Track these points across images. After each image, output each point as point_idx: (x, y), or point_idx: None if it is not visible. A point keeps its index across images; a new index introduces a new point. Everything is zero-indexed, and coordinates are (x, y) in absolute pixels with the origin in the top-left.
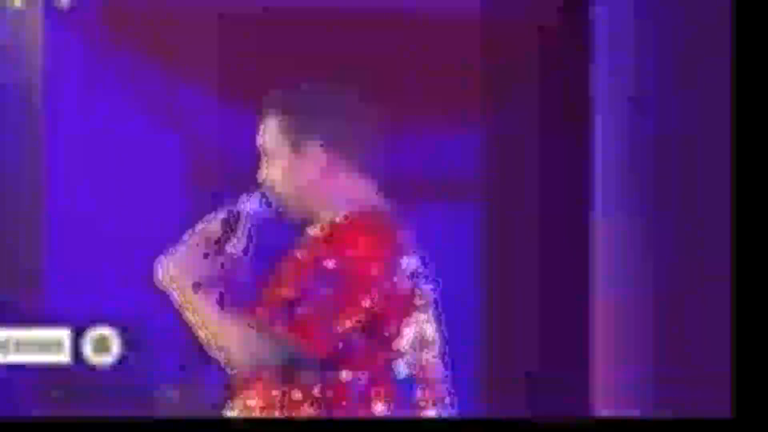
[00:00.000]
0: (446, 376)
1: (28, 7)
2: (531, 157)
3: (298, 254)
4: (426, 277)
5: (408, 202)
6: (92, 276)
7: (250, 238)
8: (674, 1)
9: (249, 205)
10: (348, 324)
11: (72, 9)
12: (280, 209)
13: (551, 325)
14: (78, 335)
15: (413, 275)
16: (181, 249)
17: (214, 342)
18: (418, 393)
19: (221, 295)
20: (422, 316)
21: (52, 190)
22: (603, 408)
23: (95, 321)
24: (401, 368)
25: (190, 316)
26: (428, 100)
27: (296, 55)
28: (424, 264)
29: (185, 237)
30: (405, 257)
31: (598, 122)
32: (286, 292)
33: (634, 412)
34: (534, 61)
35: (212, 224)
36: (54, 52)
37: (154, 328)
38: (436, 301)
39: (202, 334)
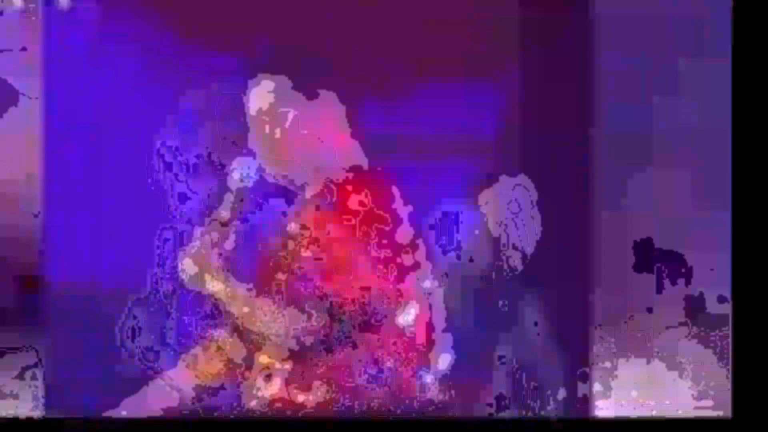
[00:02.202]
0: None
1: (28, 7)
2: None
3: (294, 221)
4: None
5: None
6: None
7: (242, 207)
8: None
9: (237, 174)
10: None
11: (72, 9)
12: (272, 174)
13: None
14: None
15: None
16: (195, 243)
17: (254, 322)
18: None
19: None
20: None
21: (52, 190)
22: (603, 408)
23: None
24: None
25: (231, 307)
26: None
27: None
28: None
29: (196, 232)
30: (403, 209)
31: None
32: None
33: (634, 412)
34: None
35: (217, 212)
36: (54, 52)
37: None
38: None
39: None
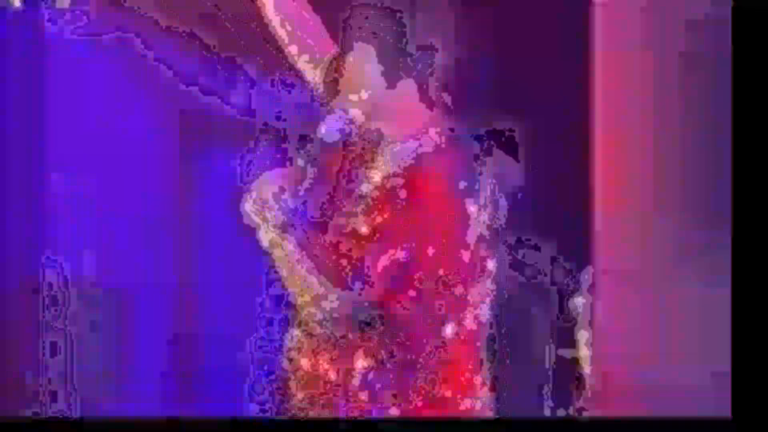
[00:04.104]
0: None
1: (28, 7)
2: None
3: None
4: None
5: None
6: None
7: (315, 158)
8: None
9: (325, 126)
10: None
11: (72, 9)
12: (356, 131)
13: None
14: None
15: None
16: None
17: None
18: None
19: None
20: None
21: (53, 189)
22: (601, 408)
23: None
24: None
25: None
26: None
27: None
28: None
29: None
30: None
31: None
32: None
33: (633, 412)
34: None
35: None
36: (54, 52)
37: None
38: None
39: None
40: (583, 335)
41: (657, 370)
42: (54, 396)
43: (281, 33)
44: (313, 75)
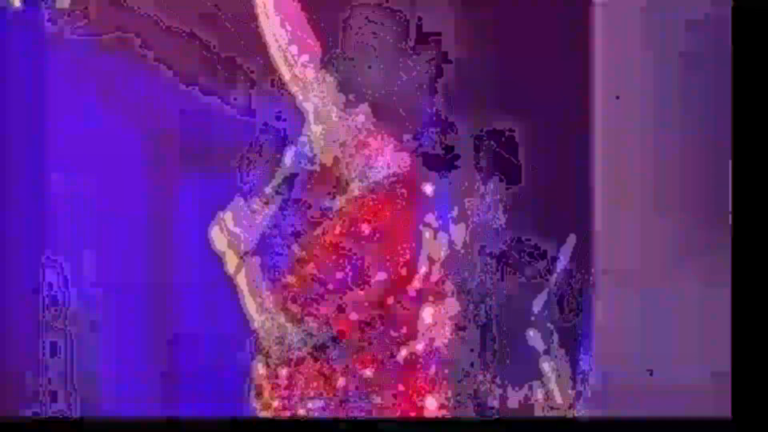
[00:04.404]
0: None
1: (28, 7)
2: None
3: (333, 222)
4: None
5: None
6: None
7: (286, 187)
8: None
9: (289, 156)
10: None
11: (72, 9)
12: (318, 167)
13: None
14: None
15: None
16: (233, 215)
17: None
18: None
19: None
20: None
21: (53, 188)
22: (601, 408)
23: None
24: None
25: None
26: None
27: None
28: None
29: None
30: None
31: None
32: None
33: (633, 412)
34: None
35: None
36: (54, 52)
37: None
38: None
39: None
40: (550, 366)
41: (657, 370)
42: (54, 396)
43: (281, 33)
44: (313, 75)
